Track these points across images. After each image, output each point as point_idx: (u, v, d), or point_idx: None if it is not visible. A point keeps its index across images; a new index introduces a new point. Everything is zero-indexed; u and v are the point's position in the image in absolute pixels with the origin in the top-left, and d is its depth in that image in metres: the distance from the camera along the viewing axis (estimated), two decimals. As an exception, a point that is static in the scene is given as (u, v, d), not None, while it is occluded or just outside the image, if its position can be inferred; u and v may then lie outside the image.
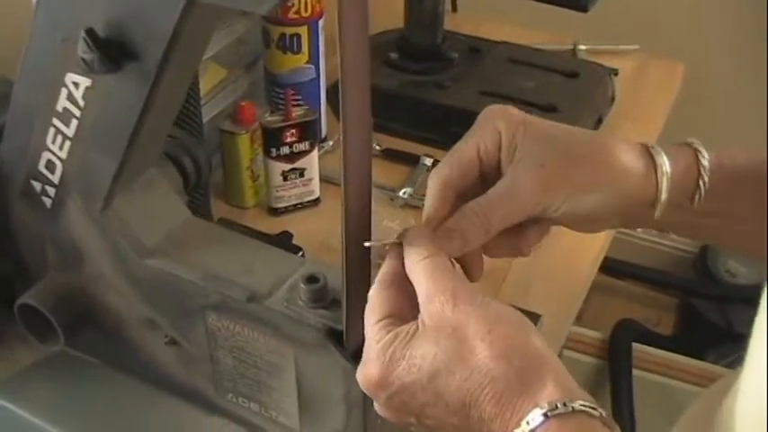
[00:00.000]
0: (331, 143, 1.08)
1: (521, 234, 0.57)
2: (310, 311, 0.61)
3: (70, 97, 0.62)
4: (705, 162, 0.56)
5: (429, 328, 0.48)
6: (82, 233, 0.68)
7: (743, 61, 1.70)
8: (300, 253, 0.87)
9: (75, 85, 0.61)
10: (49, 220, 0.69)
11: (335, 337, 0.60)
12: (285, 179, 0.96)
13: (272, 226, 0.96)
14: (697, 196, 0.56)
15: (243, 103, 0.96)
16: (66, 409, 0.75)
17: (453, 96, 1.11)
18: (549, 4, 1.04)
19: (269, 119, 0.94)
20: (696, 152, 0.56)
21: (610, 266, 1.65)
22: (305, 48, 1.02)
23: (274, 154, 0.94)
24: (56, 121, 0.64)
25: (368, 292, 0.52)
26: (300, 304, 0.62)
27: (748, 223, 0.58)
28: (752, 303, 1.67)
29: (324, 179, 0.99)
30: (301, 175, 0.97)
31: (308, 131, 0.95)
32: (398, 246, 0.52)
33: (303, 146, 0.95)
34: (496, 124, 0.56)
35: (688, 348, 1.64)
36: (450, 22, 1.22)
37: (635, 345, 1.59)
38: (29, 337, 0.74)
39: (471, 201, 0.55)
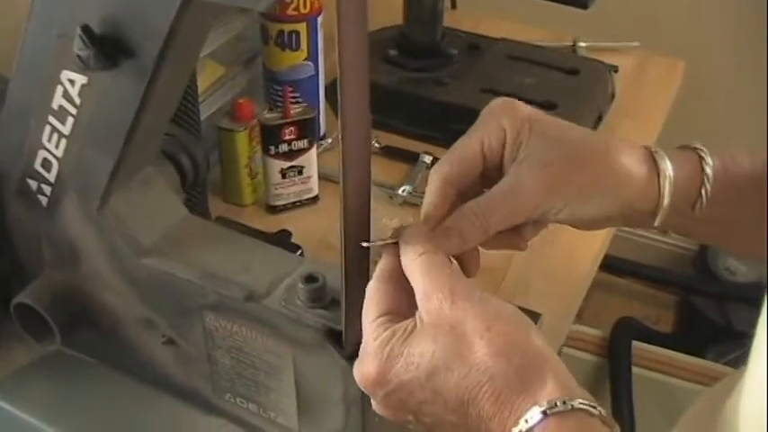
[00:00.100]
0: (330, 141, 1.08)
1: (517, 229, 0.56)
2: (309, 311, 0.61)
3: (66, 95, 0.62)
4: (709, 170, 0.55)
5: (427, 325, 0.48)
6: (78, 232, 0.68)
7: (743, 59, 1.69)
8: (299, 251, 0.87)
9: (71, 82, 0.61)
10: (46, 219, 0.69)
11: (334, 337, 0.60)
12: (284, 177, 0.96)
13: (271, 224, 0.95)
14: (698, 204, 0.55)
15: (241, 101, 0.96)
16: (63, 408, 0.74)
17: (453, 93, 1.11)
18: (549, 0, 1.04)
19: (267, 116, 0.93)
20: (700, 159, 0.56)
21: (610, 264, 1.65)
22: (303, 45, 1.02)
23: (273, 151, 0.94)
24: (52, 119, 0.64)
25: (367, 290, 0.52)
26: (299, 304, 0.61)
27: (749, 229, 0.57)
28: (751, 301, 1.67)
29: (322, 177, 0.99)
30: (300, 172, 0.96)
31: (307, 129, 0.94)
32: (395, 244, 0.52)
33: (302, 143, 0.94)
34: (501, 120, 0.55)
35: (688, 346, 1.64)
36: (450, 19, 1.22)
37: (635, 343, 1.59)
38: (25, 336, 0.73)
39: (471, 200, 0.54)
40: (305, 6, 0.99)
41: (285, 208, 0.98)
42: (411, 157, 1.05)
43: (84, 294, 0.71)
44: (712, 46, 1.68)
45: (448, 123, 1.03)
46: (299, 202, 0.98)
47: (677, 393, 1.53)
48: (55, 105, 0.63)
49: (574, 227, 0.58)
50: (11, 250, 0.74)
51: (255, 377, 0.66)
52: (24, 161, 0.67)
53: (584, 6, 1.03)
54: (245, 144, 0.96)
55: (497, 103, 0.57)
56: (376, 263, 0.53)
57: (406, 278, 0.50)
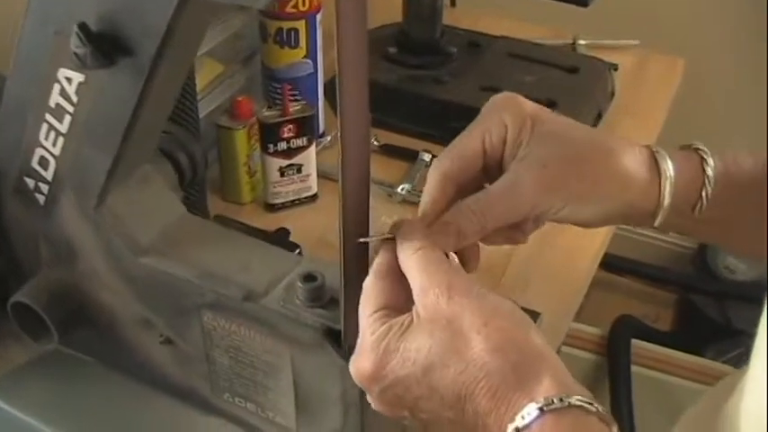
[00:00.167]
0: (329, 138, 1.07)
1: (517, 224, 0.56)
2: (307, 311, 0.60)
3: (63, 93, 0.61)
4: (710, 171, 0.55)
5: (424, 320, 0.47)
6: (75, 230, 0.67)
7: (743, 56, 1.69)
8: (298, 250, 0.87)
9: (68, 80, 0.60)
10: (43, 218, 0.68)
11: (333, 336, 0.59)
12: (282, 175, 0.96)
13: (269, 222, 0.95)
14: (698, 206, 0.55)
15: (240, 99, 0.96)
16: (60, 408, 0.74)
17: (452, 91, 1.11)
18: (549, -2, 1.04)
19: (266, 114, 0.93)
20: (702, 160, 0.55)
21: (609, 262, 1.65)
22: (302, 42, 1.01)
23: (271, 149, 0.94)
24: (49, 117, 0.63)
25: (366, 289, 0.51)
26: (297, 303, 0.61)
27: (749, 229, 0.57)
28: (751, 300, 1.68)
29: (321, 175, 0.98)
30: (299, 170, 0.96)
31: (306, 127, 0.94)
32: (392, 239, 0.52)
33: (300, 141, 0.94)
34: (503, 116, 0.54)
35: (687, 345, 1.64)
36: (449, 17, 1.21)
37: (634, 341, 1.58)
38: (22, 335, 0.73)
39: (469, 197, 0.54)
40: (304, 4, 0.99)
41: (284, 206, 0.98)
42: (410, 156, 1.05)
43: (81, 293, 0.71)
44: (712, 44, 1.67)
45: (447, 121, 1.02)
46: (298, 200, 0.98)
47: (676, 392, 1.52)
48: (52, 103, 0.62)
49: (572, 224, 0.58)
50: (8, 249, 0.74)
51: (254, 377, 0.66)
52: (21, 159, 0.67)
53: (585, 4, 1.03)
54: (243, 142, 0.96)
55: (500, 97, 0.56)
56: (374, 259, 0.53)
57: (404, 274, 0.50)
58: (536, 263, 0.91)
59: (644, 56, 1.30)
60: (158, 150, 0.73)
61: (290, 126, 0.93)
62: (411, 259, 0.50)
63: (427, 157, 1.03)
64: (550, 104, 1.05)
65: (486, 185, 0.55)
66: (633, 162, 0.55)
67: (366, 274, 0.53)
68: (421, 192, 0.56)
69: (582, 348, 1.60)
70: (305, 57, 1.02)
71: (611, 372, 1.55)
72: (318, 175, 0.98)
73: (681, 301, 1.89)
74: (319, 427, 0.65)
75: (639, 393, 1.52)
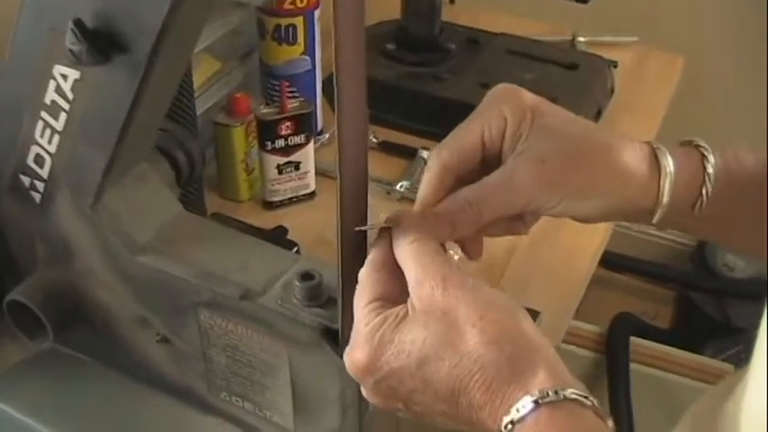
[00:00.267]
0: (327, 136, 1.07)
1: (518, 215, 0.56)
2: (305, 310, 0.60)
3: (58, 90, 0.61)
4: (711, 169, 0.54)
5: (419, 312, 0.47)
6: (71, 229, 0.67)
7: (742, 54, 1.68)
8: (295, 249, 0.86)
9: (64, 77, 0.60)
10: (39, 216, 0.68)
11: (331, 335, 0.59)
12: (280, 172, 0.95)
13: (267, 220, 0.95)
14: (698, 204, 0.55)
15: (237, 95, 0.95)
16: (57, 407, 0.73)
17: (451, 88, 1.10)
18: (548, -5, 1.03)
19: (264, 111, 0.93)
20: (703, 157, 0.55)
21: (607, 260, 1.64)
22: (300, 39, 1.01)
23: (269, 147, 0.93)
24: (44, 115, 0.63)
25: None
26: (295, 302, 0.60)
27: (749, 227, 0.57)
28: (750, 297, 1.68)
29: (319, 172, 0.98)
30: (297, 168, 0.96)
31: (304, 124, 0.93)
32: (388, 229, 0.51)
33: (298, 139, 0.94)
34: (503, 109, 0.54)
35: (685, 342, 1.63)
36: (448, 13, 1.21)
37: (632, 338, 1.58)
38: (18, 333, 0.72)
39: (465, 188, 0.53)
40: (302, 0, 0.98)
41: (282, 204, 0.97)
42: (409, 153, 1.05)
43: (77, 292, 0.70)
44: (711, 41, 1.67)
45: (446, 118, 1.00)
46: (296, 197, 0.98)
47: (675, 389, 1.52)
48: (47, 100, 0.62)
49: (571, 219, 0.57)
50: (3, 247, 0.73)
51: (251, 376, 0.65)
52: (17, 157, 0.66)
53: (584, 1, 1.03)
54: (241, 139, 0.95)
55: (500, 89, 0.56)
56: None
57: (399, 265, 0.50)
58: (535, 262, 0.91)
59: (643, 53, 1.30)
60: (155, 148, 0.73)
61: (288, 123, 0.92)
62: (406, 251, 0.49)
63: (426, 154, 1.03)
64: (550, 101, 1.05)
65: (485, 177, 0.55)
66: (633, 158, 0.54)
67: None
68: (420, 189, 0.56)
69: (581, 346, 1.59)
70: (303, 53, 1.02)
71: (609, 369, 1.55)
72: (317, 173, 0.98)
73: (680, 299, 1.88)
74: (317, 426, 0.65)
75: (638, 391, 1.52)
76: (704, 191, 0.54)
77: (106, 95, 0.59)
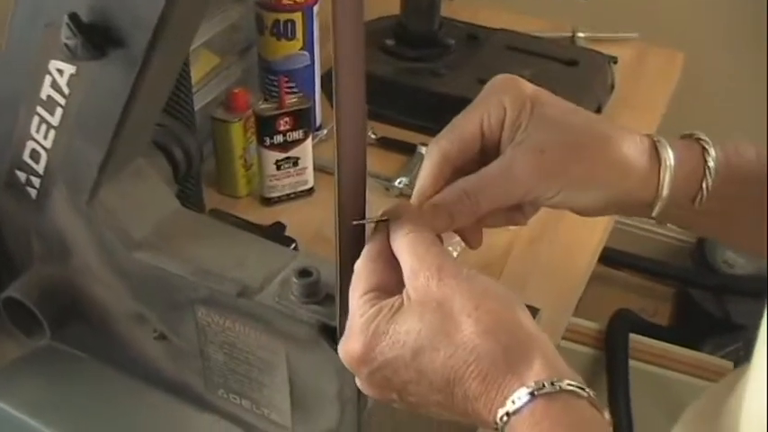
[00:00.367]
0: (325, 131, 1.06)
1: (517, 206, 0.55)
2: (303, 307, 0.59)
3: (54, 85, 0.60)
4: (711, 162, 0.54)
5: (414, 302, 0.47)
6: (68, 225, 0.67)
7: (742, 51, 1.68)
8: (293, 245, 0.86)
9: (60, 72, 0.59)
10: (34, 212, 0.68)
11: (328, 333, 0.58)
12: (278, 168, 0.95)
13: (265, 216, 0.94)
14: (698, 198, 0.54)
15: (236, 91, 0.95)
16: (53, 404, 0.73)
17: (450, 84, 1.10)
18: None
19: (262, 107, 0.92)
20: (703, 150, 0.54)
21: (607, 256, 1.64)
22: (299, 34, 1.00)
23: (268, 142, 0.93)
24: (40, 110, 0.62)
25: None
26: (292, 299, 0.60)
27: (749, 224, 0.56)
28: (749, 294, 1.67)
29: (318, 168, 0.98)
30: (295, 164, 0.95)
31: (302, 120, 0.93)
32: (385, 223, 0.51)
33: (297, 134, 0.93)
34: (503, 98, 0.54)
35: (685, 339, 1.63)
36: (447, 9, 1.20)
37: (632, 335, 1.58)
38: (14, 330, 0.72)
39: (462, 178, 0.53)
40: (300, -5, 0.98)
41: (280, 200, 0.97)
42: (407, 149, 1.04)
43: (73, 288, 0.70)
44: (711, 37, 1.67)
45: (445, 114, 1.00)
46: (294, 193, 0.97)
47: (674, 386, 1.52)
48: (43, 95, 0.61)
49: (570, 211, 0.57)
50: (-1, 243, 0.73)
51: (248, 373, 0.65)
52: (12, 152, 0.66)
53: (584, -4, 1.02)
54: (239, 135, 0.95)
55: (499, 79, 0.55)
56: None
57: (395, 257, 0.49)
58: (534, 259, 0.90)
59: (643, 49, 1.30)
60: (152, 143, 0.73)
61: (287, 119, 0.92)
62: (402, 241, 0.49)
63: (425, 150, 1.02)
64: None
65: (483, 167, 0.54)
66: (633, 150, 0.54)
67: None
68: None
69: (580, 343, 1.59)
70: (302, 49, 1.02)
71: (608, 366, 1.55)
72: (315, 169, 0.97)
73: (679, 296, 1.88)
74: (315, 424, 0.64)
75: (637, 388, 1.51)
76: (704, 184, 0.54)
77: (102, 90, 0.59)
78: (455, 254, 0.83)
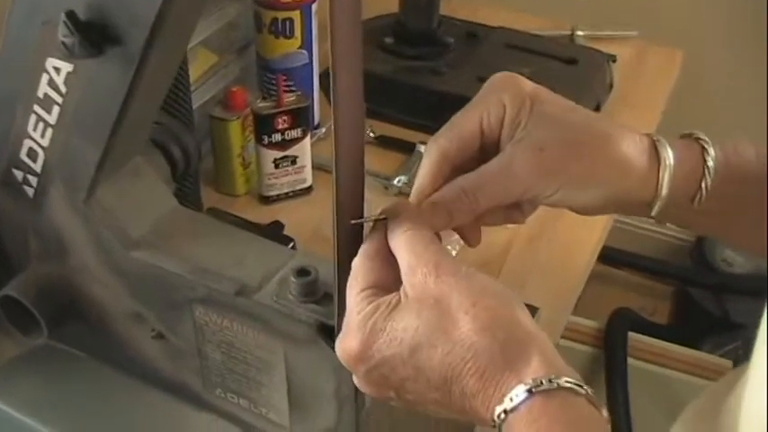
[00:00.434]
0: (324, 130, 1.06)
1: (515, 204, 0.55)
2: (301, 306, 0.59)
3: (51, 83, 0.60)
4: (711, 162, 0.54)
5: (411, 299, 0.47)
6: (65, 223, 0.66)
7: (742, 49, 1.68)
8: (291, 244, 0.85)
9: (57, 70, 0.59)
10: (32, 210, 0.67)
11: (326, 332, 0.58)
12: (277, 167, 0.95)
13: (264, 214, 0.94)
14: (698, 198, 0.54)
15: (234, 89, 0.94)
16: (51, 403, 0.73)
17: (449, 82, 1.09)
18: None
19: (260, 105, 0.92)
20: (703, 150, 0.54)
21: (606, 255, 1.64)
22: (297, 32, 1.00)
23: (266, 141, 0.92)
24: (37, 108, 0.62)
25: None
26: (290, 298, 0.60)
27: (748, 223, 0.56)
28: (748, 293, 1.67)
29: (316, 167, 0.97)
30: (293, 162, 0.95)
31: (301, 118, 0.93)
32: (384, 222, 0.51)
33: (295, 133, 0.93)
34: (503, 97, 0.53)
35: (684, 338, 1.63)
36: (446, 7, 1.20)
37: (630, 334, 1.58)
38: (12, 329, 0.72)
39: (461, 176, 0.53)
40: (299, -7, 0.98)
41: (278, 198, 0.97)
42: (406, 147, 1.04)
43: (71, 287, 0.70)
44: (711, 36, 1.66)
45: (444, 113, 1.00)
46: (293, 192, 0.97)
47: (673, 385, 1.52)
48: (40, 94, 0.61)
49: (569, 209, 0.57)
50: (-3, 242, 0.73)
51: (246, 372, 0.65)
52: (10, 151, 0.65)
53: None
54: (237, 133, 0.95)
55: (499, 77, 0.55)
56: None
57: (393, 255, 0.49)
58: (533, 258, 0.90)
59: (642, 47, 1.29)
60: (150, 142, 0.72)
61: (285, 117, 0.92)
62: (400, 239, 0.49)
63: (423, 148, 1.02)
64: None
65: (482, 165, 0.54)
66: (632, 149, 0.54)
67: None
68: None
69: (578, 341, 1.59)
70: (300, 47, 1.01)
71: (607, 365, 1.54)
72: (313, 167, 0.97)
73: (678, 294, 1.88)
74: (313, 423, 0.64)
75: (636, 387, 1.51)
76: (704, 184, 0.54)
77: (99, 88, 0.58)
78: (454, 252, 0.83)
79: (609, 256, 1.77)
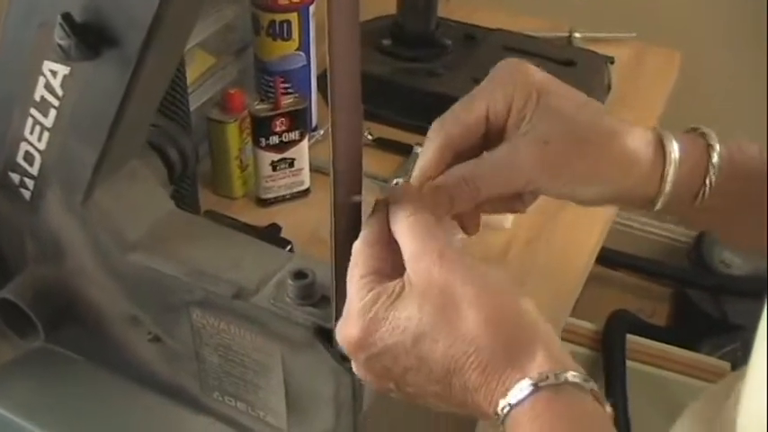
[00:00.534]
0: (322, 132, 1.06)
1: (516, 194, 0.55)
2: (298, 309, 0.59)
3: (48, 86, 0.60)
4: (715, 158, 0.54)
5: (415, 288, 0.46)
6: (62, 226, 0.66)
7: (740, 50, 1.68)
8: (289, 247, 0.85)
9: (53, 73, 0.59)
10: (29, 213, 0.67)
11: (324, 335, 0.58)
12: (274, 169, 0.94)
13: (261, 217, 0.94)
14: (701, 194, 0.54)
15: (231, 91, 0.94)
16: (47, 406, 0.72)
17: (447, 84, 1.09)
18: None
19: (258, 107, 0.92)
20: (708, 146, 0.54)
21: (604, 256, 1.63)
22: (295, 34, 1.00)
23: (263, 143, 0.92)
24: (33, 111, 0.62)
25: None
26: (288, 301, 0.60)
27: (750, 221, 0.56)
28: (747, 294, 1.67)
29: (314, 169, 0.97)
30: (291, 165, 0.95)
31: (298, 120, 0.93)
32: (384, 203, 0.50)
33: (293, 135, 0.93)
34: (510, 87, 0.53)
35: (682, 339, 1.63)
36: (444, 9, 1.20)
37: (629, 336, 1.58)
38: (8, 332, 0.72)
39: (463, 164, 0.53)
40: (296, -5, 0.98)
41: (276, 201, 0.97)
42: (404, 149, 1.04)
43: (68, 290, 0.69)
44: (709, 37, 1.66)
45: (442, 115, 1.01)
46: (290, 194, 0.97)
47: (671, 387, 1.52)
48: (37, 97, 0.61)
49: (571, 201, 0.56)
50: (-7, 245, 0.72)
51: (244, 375, 0.65)
52: (6, 154, 0.65)
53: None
54: (235, 136, 0.94)
55: (509, 64, 0.55)
56: None
57: (394, 240, 0.49)
58: (532, 260, 0.90)
59: (641, 49, 1.29)
60: (147, 144, 0.72)
61: (283, 119, 0.92)
62: (403, 224, 0.48)
63: (420, 150, 1.02)
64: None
65: (485, 153, 0.54)
66: (638, 144, 0.53)
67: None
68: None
69: (577, 343, 1.59)
70: (298, 49, 1.01)
71: (605, 367, 1.54)
72: (311, 170, 0.97)
73: (676, 296, 1.88)
74: (310, 426, 0.64)
75: (635, 388, 1.51)
76: (708, 180, 0.54)
77: (96, 91, 0.58)
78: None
79: (607, 257, 1.77)
